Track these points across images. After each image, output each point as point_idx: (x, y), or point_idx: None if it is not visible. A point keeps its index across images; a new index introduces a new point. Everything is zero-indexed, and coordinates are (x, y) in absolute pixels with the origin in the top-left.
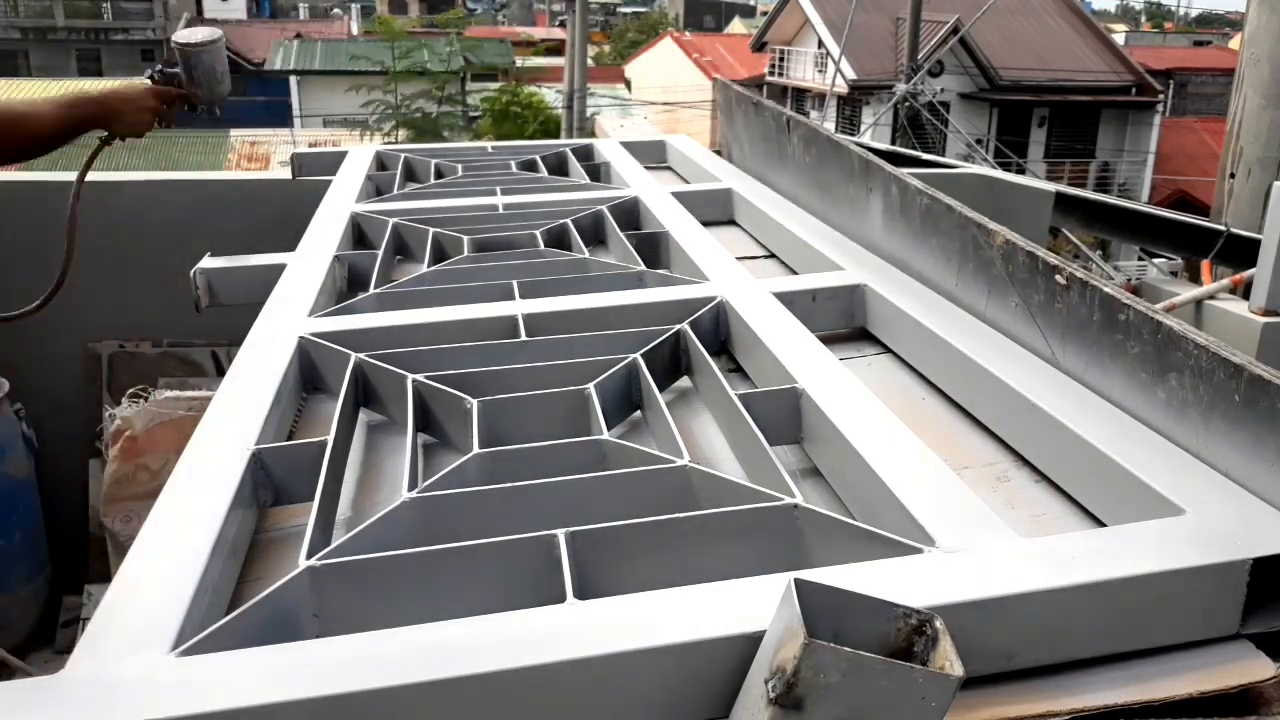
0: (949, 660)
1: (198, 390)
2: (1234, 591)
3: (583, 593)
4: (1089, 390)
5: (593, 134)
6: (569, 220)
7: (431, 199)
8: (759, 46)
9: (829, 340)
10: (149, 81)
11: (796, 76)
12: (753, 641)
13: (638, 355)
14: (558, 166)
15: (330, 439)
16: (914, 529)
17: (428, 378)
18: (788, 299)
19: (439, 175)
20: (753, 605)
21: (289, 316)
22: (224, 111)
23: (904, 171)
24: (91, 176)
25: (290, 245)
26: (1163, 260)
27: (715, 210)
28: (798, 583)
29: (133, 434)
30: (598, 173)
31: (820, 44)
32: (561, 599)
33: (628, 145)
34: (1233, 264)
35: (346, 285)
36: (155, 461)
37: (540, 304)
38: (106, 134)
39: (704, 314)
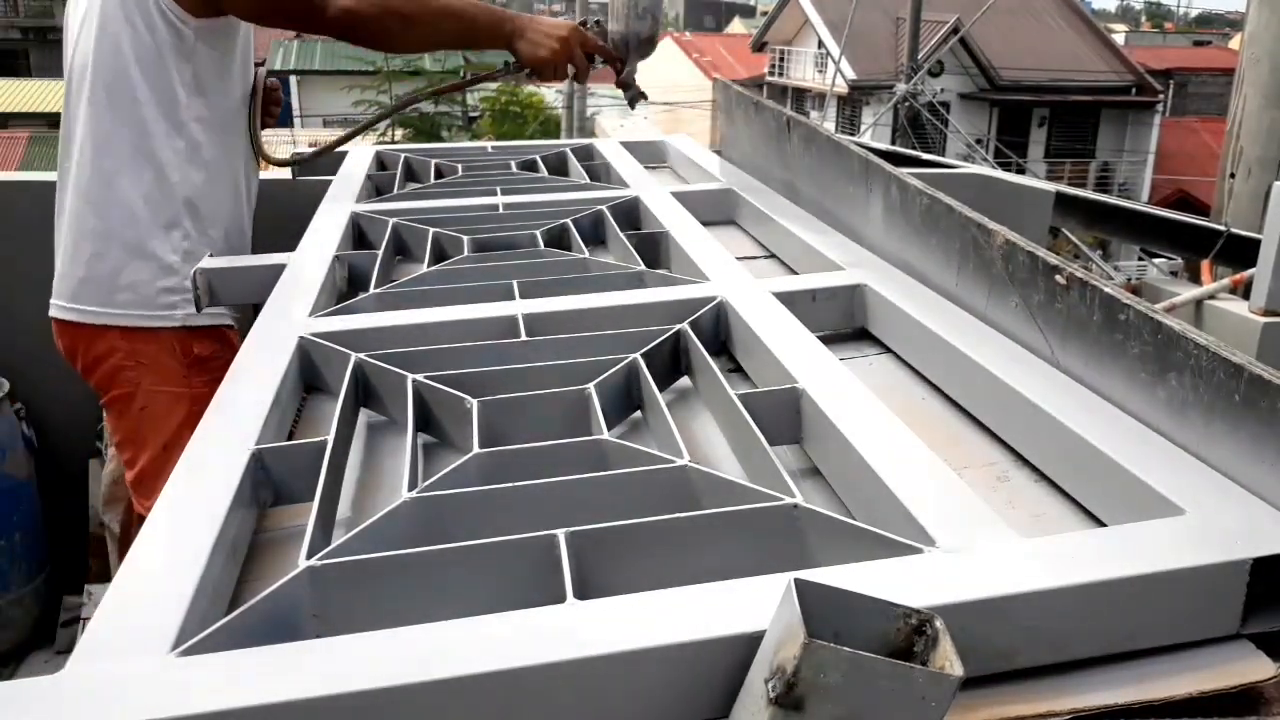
0: (949, 660)
1: None
2: (1234, 591)
3: (583, 593)
4: (1089, 390)
5: (593, 134)
6: (569, 220)
7: (432, 199)
8: (759, 46)
9: (829, 340)
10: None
11: (796, 76)
12: (753, 641)
13: (638, 355)
14: (558, 166)
15: (330, 439)
16: (914, 529)
17: (428, 377)
18: (788, 299)
19: (439, 175)
20: (753, 605)
21: (289, 316)
22: (633, 81)
23: (904, 171)
24: None
25: (290, 245)
26: (1163, 260)
27: (715, 210)
28: (798, 583)
29: None
30: (598, 173)
31: (820, 44)
32: (561, 599)
33: (628, 145)
34: (1233, 264)
35: (347, 285)
36: None
37: (540, 304)
38: (512, 59)
39: (704, 314)
